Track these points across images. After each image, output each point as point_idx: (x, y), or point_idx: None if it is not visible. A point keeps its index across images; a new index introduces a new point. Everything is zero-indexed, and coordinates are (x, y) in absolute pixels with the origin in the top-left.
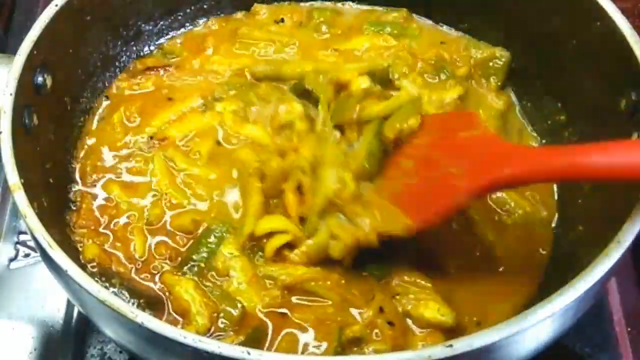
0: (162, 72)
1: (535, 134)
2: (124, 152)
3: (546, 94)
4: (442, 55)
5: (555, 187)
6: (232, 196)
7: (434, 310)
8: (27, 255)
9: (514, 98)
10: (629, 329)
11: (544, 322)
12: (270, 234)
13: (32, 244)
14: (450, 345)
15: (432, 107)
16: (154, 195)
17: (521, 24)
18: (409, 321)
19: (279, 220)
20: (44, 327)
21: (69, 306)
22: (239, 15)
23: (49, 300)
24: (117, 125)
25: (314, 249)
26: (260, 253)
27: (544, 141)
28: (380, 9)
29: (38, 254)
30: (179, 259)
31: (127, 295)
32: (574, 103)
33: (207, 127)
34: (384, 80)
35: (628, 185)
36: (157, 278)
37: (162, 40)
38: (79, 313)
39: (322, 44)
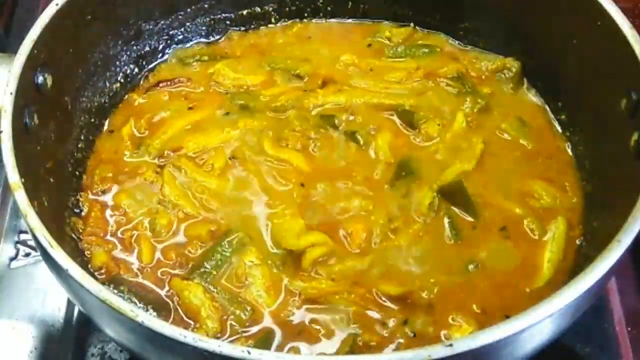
0: (173, 84)
1: None
2: (134, 162)
3: (547, 94)
4: (460, 69)
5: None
6: (253, 209)
7: (466, 332)
8: (27, 255)
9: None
10: (629, 329)
11: (543, 321)
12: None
13: (32, 243)
14: (450, 345)
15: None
16: (163, 206)
17: (522, 25)
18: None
19: (318, 235)
20: (44, 326)
21: (70, 305)
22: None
23: (49, 300)
24: (126, 138)
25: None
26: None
27: None
28: (384, 23)
29: (38, 253)
30: (190, 264)
31: (136, 301)
32: (574, 103)
33: (226, 141)
34: (407, 119)
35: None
36: (165, 284)
37: (163, 43)
38: (80, 312)
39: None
